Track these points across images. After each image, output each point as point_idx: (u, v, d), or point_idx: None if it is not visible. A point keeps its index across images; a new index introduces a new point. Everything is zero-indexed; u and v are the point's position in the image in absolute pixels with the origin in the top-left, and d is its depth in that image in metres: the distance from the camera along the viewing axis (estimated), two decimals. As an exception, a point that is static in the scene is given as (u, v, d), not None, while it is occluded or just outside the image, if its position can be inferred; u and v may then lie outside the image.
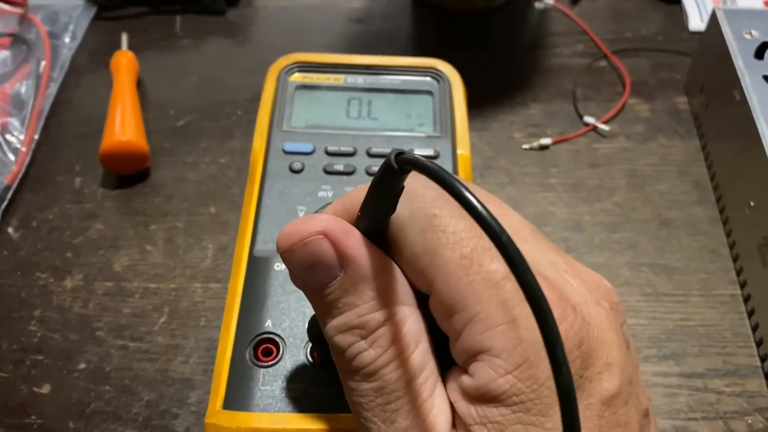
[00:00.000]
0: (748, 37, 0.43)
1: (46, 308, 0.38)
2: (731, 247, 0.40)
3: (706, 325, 0.37)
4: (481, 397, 0.20)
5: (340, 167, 0.37)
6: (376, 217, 0.21)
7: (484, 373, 0.20)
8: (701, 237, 0.41)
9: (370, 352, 0.21)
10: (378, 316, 0.21)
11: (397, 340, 0.21)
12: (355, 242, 0.21)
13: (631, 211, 0.42)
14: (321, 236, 0.20)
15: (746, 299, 0.38)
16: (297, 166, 0.37)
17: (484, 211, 0.16)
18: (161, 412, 0.34)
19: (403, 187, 0.20)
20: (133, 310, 0.38)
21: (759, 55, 0.42)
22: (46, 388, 0.35)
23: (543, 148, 0.45)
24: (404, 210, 0.21)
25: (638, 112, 0.48)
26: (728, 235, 0.41)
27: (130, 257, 0.40)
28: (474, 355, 0.20)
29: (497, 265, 0.20)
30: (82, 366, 0.36)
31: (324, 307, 0.22)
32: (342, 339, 0.21)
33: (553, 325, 0.15)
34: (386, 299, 0.21)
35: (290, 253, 0.21)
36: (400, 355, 0.21)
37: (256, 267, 0.33)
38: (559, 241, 0.41)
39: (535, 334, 0.18)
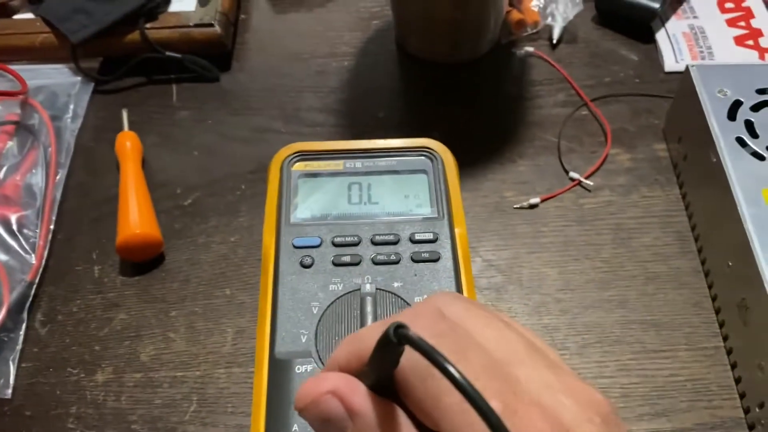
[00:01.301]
0: (720, 96, 0.45)
1: (81, 404, 0.41)
2: (713, 299, 0.43)
3: (693, 380, 0.40)
4: None
5: (347, 258, 0.39)
6: (381, 373, 0.24)
7: None
8: (685, 290, 0.44)
9: None
10: None
11: None
12: (360, 398, 0.24)
13: (618, 267, 0.45)
14: (330, 395, 0.24)
15: (729, 352, 0.41)
16: (307, 261, 0.39)
17: (469, 388, 0.19)
18: (200, 502, 0.37)
19: (402, 351, 0.23)
20: (164, 400, 0.41)
21: (731, 116, 0.44)
22: (91, 486, 0.38)
23: (532, 206, 0.48)
24: (407, 360, 0.24)
25: (620, 163, 0.51)
26: (710, 286, 0.44)
27: (155, 346, 0.43)
28: None
29: (495, 403, 0.21)
30: (122, 461, 0.39)
31: None
32: None
33: None
34: None
35: (306, 412, 0.24)
36: None
37: (278, 369, 0.36)
38: (554, 302, 0.44)
39: None
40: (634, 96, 0.55)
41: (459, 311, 0.25)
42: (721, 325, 0.42)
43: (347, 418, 0.24)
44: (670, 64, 0.56)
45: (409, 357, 0.24)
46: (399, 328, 0.21)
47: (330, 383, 0.24)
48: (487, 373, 0.22)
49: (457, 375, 0.19)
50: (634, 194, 0.49)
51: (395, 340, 0.21)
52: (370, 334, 0.24)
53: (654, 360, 0.41)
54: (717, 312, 0.43)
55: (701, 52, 0.57)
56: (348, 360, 0.25)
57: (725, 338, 0.42)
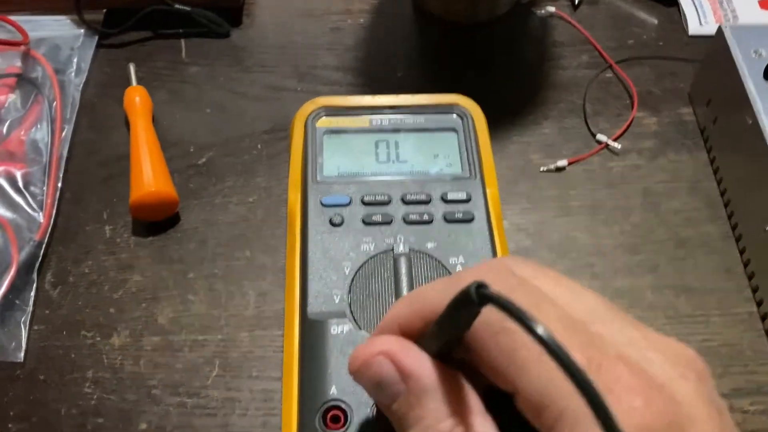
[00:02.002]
0: (755, 56, 0.44)
1: (98, 368, 0.39)
2: (746, 264, 0.42)
3: (727, 345, 0.40)
4: None
5: (378, 217, 0.38)
6: (451, 335, 0.22)
7: None
8: (716, 255, 0.43)
9: None
10: (444, 426, 0.22)
11: None
12: (413, 358, 0.22)
13: (648, 232, 0.44)
14: (382, 356, 0.23)
15: (763, 318, 0.40)
16: (337, 219, 0.38)
17: (550, 340, 0.17)
18: (228, 468, 0.36)
19: (479, 312, 0.21)
20: (185, 364, 0.39)
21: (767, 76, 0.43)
22: (112, 452, 0.36)
23: (559, 169, 0.47)
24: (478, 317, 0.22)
25: (646, 126, 0.49)
26: (742, 252, 0.43)
27: (174, 309, 0.41)
28: None
29: (578, 356, 0.20)
30: (144, 427, 0.37)
31: (397, 421, 0.23)
32: None
33: None
34: (451, 409, 0.22)
35: (358, 375, 0.23)
36: None
37: (311, 330, 0.34)
38: (585, 266, 0.43)
39: (627, 422, 0.19)
40: (658, 59, 0.53)
41: (528, 271, 0.23)
42: (755, 290, 0.41)
43: (400, 381, 0.22)
44: (695, 27, 0.55)
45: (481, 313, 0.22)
46: (480, 287, 0.19)
47: (383, 344, 0.23)
48: (565, 327, 0.21)
49: (542, 331, 0.18)
50: (661, 158, 0.48)
51: (476, 299, 0.19)
52: (436, 292, 0.23)
53: (687, 325, 0.41)
54: (750, 277, 0.42)
55: (725, 15, 0.55)
56: (409, 320, 0.24)
57: (759, 303, 0.41)
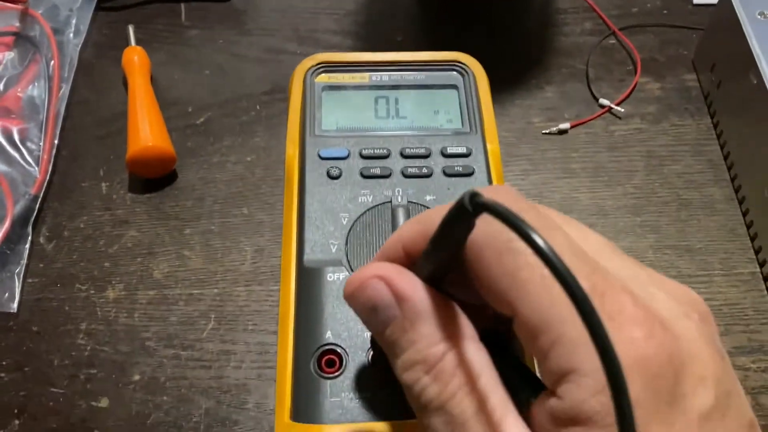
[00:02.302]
0: (760, 18, 0.44)
1: (92, 321, 0.39)
2: (749, 225, 0.42)
3: (729, 304, 0.39)
4: (571, 420, 0.20)
5: (377, 171, 0.37)
6: (446, 252, 0.21)
7: (573, 395, 0.20)
8: (719, 216, 0.43)
9: (434, 386, 0.21)
10: (437, 350, 0.22)
11: (459, 372, 0.21)
12: (408, 281, 0.22)
13: (651, 193, 0.44)
14: (376, 279, 0.22)
15: (766, 278, 0.40)
16: (335, 172, 0.37)
17: (555, 259, 0.17)
18: (221, 419, 0.35)
19: (473, 225, 0.20)
20: (180, 317, 0.39)
21: (773, 37, 0.43)
22: (104, 402, 0.36)
23: (562, 132, 0.46)
24: (480, 234, 0.21)
25: (649, 92, 0.49)
26: (745, 213, 0.42)
27: (169, 263, 0.41)
28: (562, 376, 0.20)
29: (580, 282, 0.19)
30: (137, 378, 0.37)
31: (390, 347, 0.23)
32: (408, 376, 0.22)
33: (620, 376, 0.16)
34: (445, 334, 0.22)
35: (352, 298, 0.23)
36: (464, 387, 0.21)
37: (307, 278, 0.34)
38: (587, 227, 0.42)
39: (625, 352, 0.18)
40: (662, 27, 0.53)
41: (537, 205, 0.23)
42: (758, 251, 0.41)
43: (395, 304, 0.22)
44: (699, -5, 0.54)
45: (482, 231, 0.21)
46: (475, 195, 0.19)
47: (377, 269, 0.22)
48: (572, 253, 0.20)
49: (542, 243, 0.17)
50: (664, 122, 0.47)
51: (470, 208, 0.18)
52: (440, 213, 0.22)
53: (689, 284, 0.39)
54: (752, 239, 0.41)
55: (731, -16, 0.55)
56: (415, 240, 0.23)
57: (762, 264, 0.40)
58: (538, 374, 0.22)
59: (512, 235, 0.20)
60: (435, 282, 0.22)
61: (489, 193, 0.21)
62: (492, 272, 0.21)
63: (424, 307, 0.22)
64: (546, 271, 0.19)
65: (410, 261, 0.23)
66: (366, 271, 0.23)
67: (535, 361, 0.21)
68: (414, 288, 0.22)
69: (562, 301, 0.19)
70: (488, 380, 0.21)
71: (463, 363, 0.21)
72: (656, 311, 0.20)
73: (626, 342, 0.19)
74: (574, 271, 0.19)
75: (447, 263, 0.22)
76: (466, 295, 0.23)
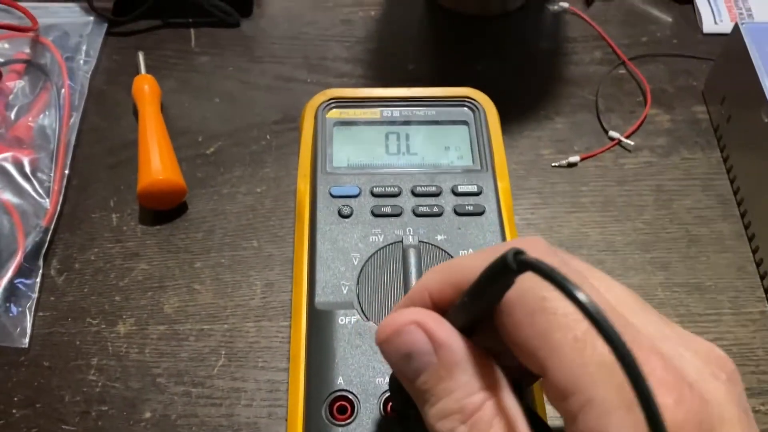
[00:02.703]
0: (771, 54, 0.44)
1: (103, 356, 0.39)
2: (758, 264, 0.42)
3: (738, 344, 0.39)
4: None
5: (387, 209, 0.37)
6: (481, 307, 0.21)
7: None
8: (728, 254, 0.43)
9: None
10: (475, 399, 0.21)
11: (496, 423, 0.21)
12: (446, 329, 0.22)
13: (660, 229, 0.44)
14: (414, 326, 0.22)
15: (775, 318, 0.40)
16: (346, 210, 0.37)
17: (604, 322, 0.17)
18: (232, 458, 0.35)
19: (513, 283, 0.20)
20: (190, 354, 0.39)
21: (784, 74, 0.43)
22: (115, 440, 0.36)
23: (571, 165, 0.46)
24: (512, 292, 0.21)
25: (659, 124, 0.49)
26: (755, 251, 0.42)
27: (180, 298, 0.41)
28: None
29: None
30: (148, 415, 0.37)
31: (423, 395, 0.23)
32: (443, 425, 0.22)
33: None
34: (481, 383, 0.22)
35: (387, 343, 0.23)
36: None
37: (319, 320, 0.34)
38: (595, 263, 0.42)
39: None
40: (672, 56, 0.53)
41: (563, 256, 0.22)
42: (767, 290, 0.41)
43: (432, 351, 0.22)
44: (709, 25, 0.54)
45: (516, 289, 0.21)
46: (519, 253, 0.18)
47: (414, 315, 0.22)
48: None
49: (590, 305, 0.17)
50: (674, 156, 0.47)
51: (514, 266, 0.18)
52: (474, 262, 0.22)
53: (699, 323, 0.40)
54: (762, 277, 0.41)
55: (741, 14, 0.55)
56: (442, 289, 0.23)
57: (772, 303, 0.40)
58: None
59: (546, 294, 0.21)
60: (466, 332, 0.22)
61: (524, 245, 0.22)
62: (524, 330, 0.21)
63: (462, 355, 0.22)
64: (579, 334, 0.20)
65: (436, 309, 0.23)
66: (402, 317, 0.22)
67: (564, 421, 0.21)
68: (452, 335, 0.22)
69: (594, 364, 0.19)
70: (523, 429, 0.21)
71: (500, 413, 0.21)
72: (685, 373, 0.20)
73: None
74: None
75: (481, 316, 0.22)
76: (491, 344, 0.23)
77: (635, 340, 0.19)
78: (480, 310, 0.21)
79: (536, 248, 0.22)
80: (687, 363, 0.20)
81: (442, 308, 0.23)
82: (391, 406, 0.31)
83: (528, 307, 0.21)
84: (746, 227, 0.44)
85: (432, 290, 0.23)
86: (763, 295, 0.41)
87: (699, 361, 0.21)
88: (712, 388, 0.20)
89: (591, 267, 0.23)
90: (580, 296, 0.17)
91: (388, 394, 0.31)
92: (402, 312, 0.23)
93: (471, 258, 0.23)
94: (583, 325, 0.20)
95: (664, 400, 0.18)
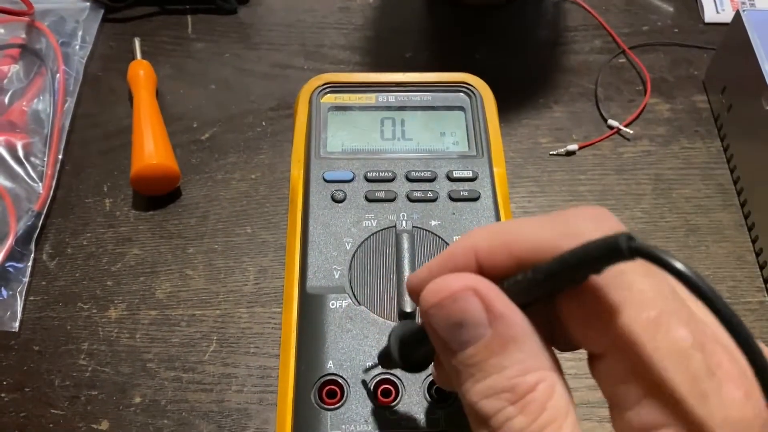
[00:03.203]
0: (773, 41, 0.43)
1: (94, 341, 0.38)
2: (758, 253, 0.41)
3: (736, 334, 0.39)
4: None
5: (381, 194, 0.37)
6: (553, 288, 0.20)
7: None
8: (727, 243, 0.42)
9: (521, 418, 0.19)
10: (528, 379, 0.19)
11: (548, 407, 0.19)
12: (505, 301, 0.20)
13: (659, 218, 0.43)
14: (471, 292, 0.20)
15: (774, 307, 0.39)
16: (339, 195, 0.37)
17: (733, 319, 0.16)
18: (222, 444, 0.35)
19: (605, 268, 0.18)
20: (181, 339, 0.38)
21: (785, 62, 0.42)
22: (104, 425, 0.36)
23: (569, 153, 0.46)
24: None
25: (659, 113, 0.48)
26: (754, 241, 0.42)
27: (172, 283, 0.40)
28: (651, 430, 0.18)
29: (686, 332, 0.18)
30: (138, 400, 0.36)
31: (468, 369, 0.20)
32: (489, 404, 0.20)
33: None
34: (535, 363, 0.20)
35: (438, 308, 0.20)
36: (551, 425, 0.19)
37: (310, 305, 0.33)
38: (592, 252, 0.42)
39: (726, 413, 0.17)
40: (673, 46, 0.52)
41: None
42: (767, 280, 0.40)
43: (487, 323, 0.19)
44: (711, 14, 0.54)
45: None
46: (631, 238, 0.17)
47: (470, 280, 0.20)
48: (673, 297, 0.19)
49: (702, 286, 0.16)
50: (674, 145, 0.47)
51: (627, 252, 0.17)
52: (534, 228, 0.20)
53: (696, 313, 0.39)
54: (762, 267, 0.41)
55: (743, 2, 0.54)
56: (493, 252, 0.21)
57: (771, 293, 0.40)
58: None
59: (622, 268, 0.19)
60: (522, 307, 0.20)
61: (590, 216, 0.20)
62: (591, 304, 0.19)
63: (520, 330, 0.19)
64: (653, 314, 0.18)
65: (481, 273, 0.21)
66: (457, 281, 0.20)
67: (613, 407, 0.19)
68: (510, 307, 0.20)
69: (666, 350, 0.18)
70: (574, 420, 0.19)
71: (551, 398, 0.19)
72: (747, 371, 0.18)
73: (727, 402, 0.18)
74: (674, 318, 0.18)
75: (550, 294, 0.20)
76: (540, 320, 0.21)
77: (701, 326, 0.18)
78: (554, 290, 0.19)
79: (608, 220, 0.20)
80: (739, 357, 0.18)
81: (489, 274, 0.21)
82: (378, 393, 0.30)
83: (601, 281, 0.19)
84: (746, 217, 0.43)
85: (481, 251, 0.21)
86: (763, 285, 0.40)
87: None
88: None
89: None
90: (704, 288, 0.16)
91: (377, 378, 0.31)
92: (456, 276, 0.20)
93: (531, 224, 0.20)
94: (659, 305, 0.18)
95: (734, 394, 0.18)
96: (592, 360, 0.20)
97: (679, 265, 0.16)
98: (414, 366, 0.25)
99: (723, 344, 0.18)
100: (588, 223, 0.19)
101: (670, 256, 0.16)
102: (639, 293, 0.18)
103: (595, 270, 0.18)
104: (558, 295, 0.20)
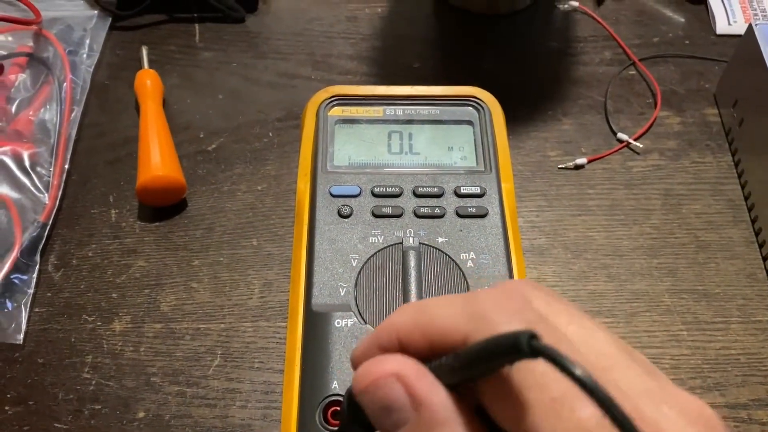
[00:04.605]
0: (786, 56, 0.43)
1: (98, 354, 0.38)
2: (768, 271, 0.41)
3: (747, 354, 0.38)
4: None
5: (388, 210, 0.37)
6: (474, 376, 0.20)
7: None
8: (738, 260, 0.42)
9: None
10: None
11: None
12: (427, 385, 0.20)
13: (668, 234, 0.43)
14: (393, 378, 0.20)
15: (785, 327, 0.39)
16: (346, 210, 0.37)
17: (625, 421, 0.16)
18: (225, 461, 0.35)
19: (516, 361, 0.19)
20: (186, 353, 0.38)
21: (798, 77, 0.42)
22: (108, 440, 0.36)
23: (578, 167, 0.46)
24: None
25: (669, 126, 0.48)
26: (765, 258, 0.41)
27: (176, 296, 0.40)
28: None
29: (590, 412, 0.18)
30: (141, 415, 0.36)
31: None
32: None
33: None
34: None
35: (364, 394, 0.21)
36: None
37: (315, 323, 0.33)
38: (601, 268, 0.41)
39: None
40: (683, 58, 0.52)
41: (541, 303, 0.21)
42: (777, 298, 0.40)
43: (411, 408, 0.20)
44: (722, 26, 0.53)
45: None
46: (533, 338, 0.17)
47: (394, 365, 0.21)
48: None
49: (600, 392, 0.16)
50: (684, 159, 0.46)
51: (528, 351, 0.17)
52: (447, 312, 0.21)
53: (705, 332, 0.39)
54: (772, 285, 0.40)
55: (755, 14, 0.54)
56: (411, 334, 0.22)
57: (782, 312, 0.39)
58: None
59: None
60: (451, 387, 0.21)
61: (500, 300, 0.20)
62: (499, 387, 0.20)
63: (444, 414, 0.20)
64: (556, 394, 0.19)
65: (405, 352, 0.22)
66: (381, 367, 0.21)
67: None
68: (434, 392, 0.20)
69: (571, 428, 0.18)
70: None
71: None
72: None
73: None
74: (578, 396, 0.18)
75: (470, 380, 0.20)
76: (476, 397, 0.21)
77: (617, 400, 0.18)
78: (473, 377, 0.20)
79: (517, 307, 0.21)
80: (670, 423, 0.19)
81: (409, 352, 0.21)
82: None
83: (525, 383, 0.19)
84: (757, 233, 0.42)
85: (401, 333, 0.22)
86: (773, 304, 0.40)
87: (684, 422, 0.20)
88: None
89: (572, 311, 0.22)
90: (600, 393, 0.16)
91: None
92: (381, 361, 0.21)
93: (445, 307, 0.21)
94: (562, 386, 0.19)
95: None
96: None
97: (578, 372, 0.16)
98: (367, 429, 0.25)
99: (641, 415, 0.18)
100: (493, 308, 0.20)
101: (568, 361, 0.16)
102: (541, 375, 0.19)
103: (500, 365, 0.19)
104: (485, 389, 0.20)
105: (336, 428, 0.30)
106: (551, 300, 0.22)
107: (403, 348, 0.22)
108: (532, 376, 0.19)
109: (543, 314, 0.21)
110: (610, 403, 0.16)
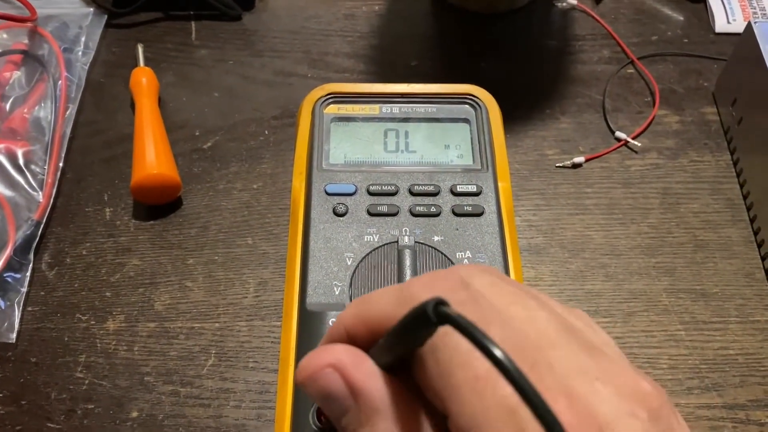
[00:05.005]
0: (785, 54, 0.42)
1: (91, 353, 0.38)
2: (767, 271, 0.41)
3: (745, 354, 0.38)
4: None
5: (383, 208, 0.36)
6: (399, 351, 0.20)
7: None
8: (736, 260, 0.41)
9: None
10: None
11: None
12: (364, 374, 0.20)
13: (666, 233, 0.42)
14: (330, 369, 0.21)
15: (784, 327, 0.39)
16: (341, 209, 0.36)
17: (523, 383, 0.16)
18: (219, 461, 0.35)
19: (434, 331, 0.19)
20: (180, 352, 0.38)
21: (797, 75, 0.41)
22: (101, 439, 0.35)
23: (576, 166, 0.45)
24: None
25: (668, 125, 0.48)
26: (764, 257, 0.41)
27: (171, 295, 0.40)
28: None
29: (512, 389, 0.18)
30: (135, 414, 0.36)
31: None
32: None
33: None
34: (402, 430, 0.20)
35: (305, 386, 0.21)
36: None
37: (310, 322, 0.33)
38: (598, 267, 0.41)
39: None
40: (682, 56, 0.52)
41: (484, 284, 0.21)
42: (776, 298, 0.40)
43: (349, 396, 0.20)
44: (722, 24, 0.53)
45: None
46: (439, 304, 0.17)
47: (332, 355, 0.21)
48: (512, 346, 0.19)
49: (496, 352, 0.16)
50: (682, 158, 0.46)
51: (434, 318, 0.17)
52: (383, 300, 0.21)
53: (703, 332, 0.39)
54: (771, 284, 0.40)
55: (755, 13, 0.53)
56: (354, 325, 0.22)
57: (780, 312, 0.39)
58: None
59: (448, 329, 0.19)
60: (392, 370, 0.21)
61: (432, 282, 0.21)
62: (428, 370, 0.20)
63: (380, 401, 0.20)
64: (480, 373, 0.19)
65: (354, 344, 0.22)
66: (319, 359, 0.21)
67: None
68: (370, 380, 0.20)
69: (494, 408, 0.18)
70: None
71: None
72: (596, 414, 0.18)
73: None
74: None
75: (404, 356, 0.21)
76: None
77: (542, 379, 0.18)
78: (402, 353, 0.20)
79: (449, 287, 0.21)
80: (602, 401, 0.19)
81: (357, 343, 0.22)
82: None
83: (430, 343, 0.19)
84: (755, 233, 0.42)
85: (347, 325, 0.22)
86: (772, 304, 0.40)
87: (617, 398, 0.19)
88: (628, 427, 0.19)
89: (517, 292, 0.22)
90: (497, 353, 0.16)
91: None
92: (320, 352, 0.21)
93: (382, 296, 0.22)
94: (485, 364, 0.18)
95: None
96: (447, 421, 0.20)
97: (476, 332, 0.16)
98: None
99: (571, 394, 0.18)
100: (423, 289, 0.20)
101: (469, 323, 0.16)
102: (466, 353, 0.19)
103: (418, 337, 0.19)
104: (411, 359, 0.20)
105: (332, 428, 0.30)
106: (498, 281, 0.22)
107: (350, 339, 0.22)
108: (458, 354, 0.19)
109: (482, 294, 0.21)
110: (516, 375, 0.16)
